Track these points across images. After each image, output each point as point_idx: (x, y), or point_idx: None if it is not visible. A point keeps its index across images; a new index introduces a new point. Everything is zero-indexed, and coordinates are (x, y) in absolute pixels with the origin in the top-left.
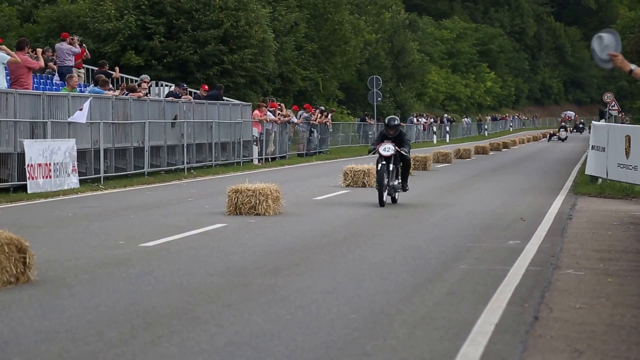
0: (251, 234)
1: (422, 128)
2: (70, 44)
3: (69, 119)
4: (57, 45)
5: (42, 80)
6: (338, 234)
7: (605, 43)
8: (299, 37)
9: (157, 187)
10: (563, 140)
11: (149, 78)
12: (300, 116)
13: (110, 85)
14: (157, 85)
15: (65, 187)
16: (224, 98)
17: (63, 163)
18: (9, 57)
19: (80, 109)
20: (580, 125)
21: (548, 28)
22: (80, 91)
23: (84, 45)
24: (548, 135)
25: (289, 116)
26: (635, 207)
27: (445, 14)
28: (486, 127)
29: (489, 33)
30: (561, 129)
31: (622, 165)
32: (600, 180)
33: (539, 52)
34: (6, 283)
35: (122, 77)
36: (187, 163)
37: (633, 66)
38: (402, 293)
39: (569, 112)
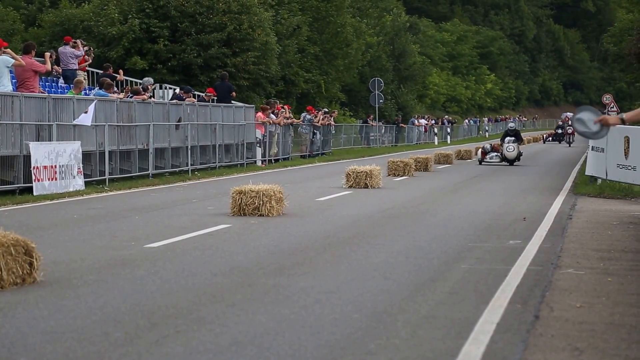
0: (255, 234)
1: (423, 129)
2: (73, 47)
3: (75, 122)
4: (60, 49)
5: (47, 84)
6: (341, 234)
7: (583, 118)
8: (302, 40)
9: (162, 189)
10: (511, 162)
11: (152, 80)
12: (304, 118)
13: (115, 88)
14: (161, 88)
15: (71, 189)
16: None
17: (68, 165)
18: (14, 60)
19: (86, 112)
20: (559, 131)
21: (547, 30)
22: (85, 94)
23: (91, 49)
24: (480, 153)
25: (291, 118)
26: (635, 207)
27: (445, 17)
28: (487, 128)
29: (489, 36)
30: (508, 139)
31: (621, 166)
32: (599, 181)
33: (539, 55)
34: (13, 284)
35: (126, 80)
36: (191, 165)
37: (622, 115)
38: (405, 293)
39: (568, 113)
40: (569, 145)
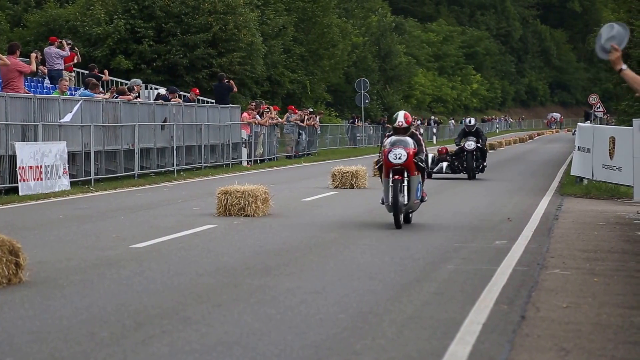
0: (240, 235)
1: None
2: (59, 47)
3: (60, 121)
4: (46, 49)
5: (32, 84)
6: (327, 234)
7: (614, 34)
8: (287, 41)
9: (147, 189)
10: None
11: (140, 82)
12: (288, 119)
13: (101, 89)
14: (146, 88)
15: (56, 189)
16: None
17: (54, 165)
18: None
19: (71, 111)
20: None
21: (534, 31)
22: (71, 94)
23: (75, 49)
24: None
25: (276, 118)
26: (621, 207)
27: (431, 17)
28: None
29: (475, 36)
30: None
31: (606, 167)
32: (585, 181)
33: (525, 55)
34: None
35: (112, 80)
36: (176, 165)
37: (624, 66)
38: (391, 293)
39: (554, 113)
40: (470, 177)
